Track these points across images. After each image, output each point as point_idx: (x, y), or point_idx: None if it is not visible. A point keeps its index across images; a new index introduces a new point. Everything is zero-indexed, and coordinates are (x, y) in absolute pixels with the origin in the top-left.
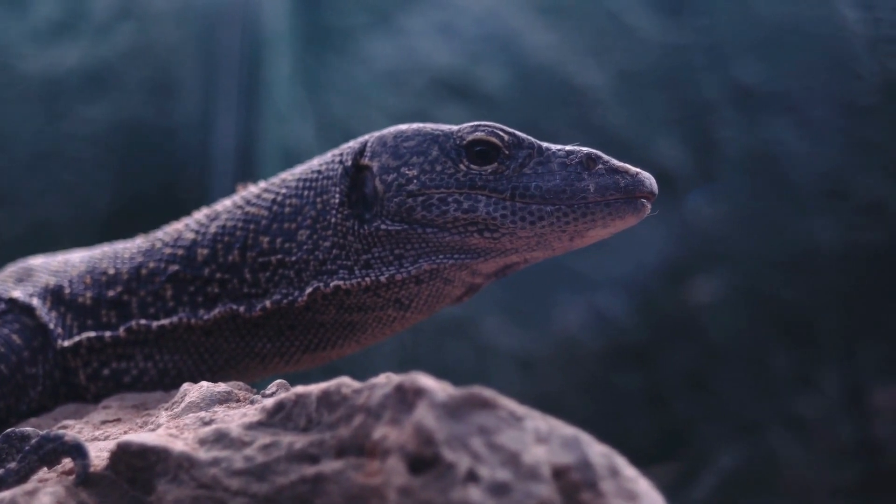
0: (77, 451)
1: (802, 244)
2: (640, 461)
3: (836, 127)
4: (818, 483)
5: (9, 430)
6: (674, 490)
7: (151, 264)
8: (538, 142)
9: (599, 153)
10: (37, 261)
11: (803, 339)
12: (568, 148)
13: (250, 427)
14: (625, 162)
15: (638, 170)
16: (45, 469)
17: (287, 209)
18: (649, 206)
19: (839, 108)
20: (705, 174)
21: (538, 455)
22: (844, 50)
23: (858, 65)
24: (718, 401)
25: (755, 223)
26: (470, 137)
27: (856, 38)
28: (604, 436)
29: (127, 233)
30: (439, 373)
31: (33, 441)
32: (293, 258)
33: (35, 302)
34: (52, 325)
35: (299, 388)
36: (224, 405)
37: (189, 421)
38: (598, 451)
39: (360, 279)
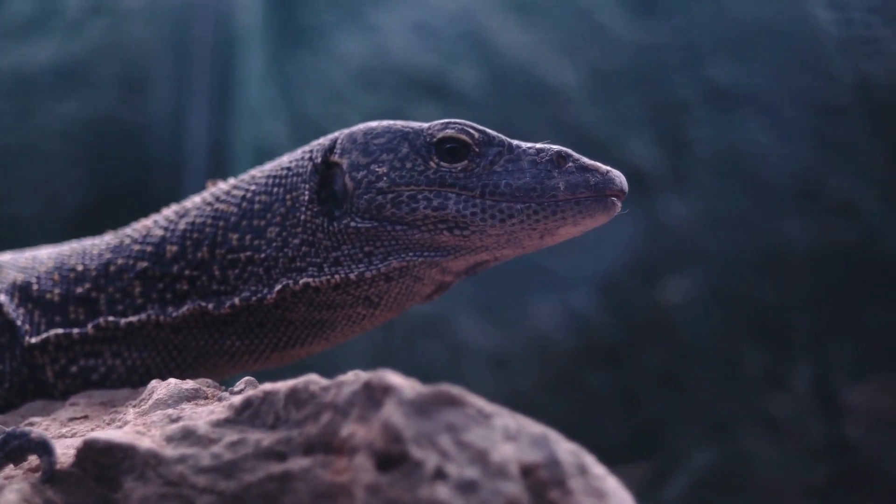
0: (43, 448)
1: (774, 244)
2: (613, 460)
3: (808, 127)
4: (790, 482)
5: None
6: (646, 489)
7: (120, 261)
8: (508, 139)
9: (570, 151)
10: (4, 257)
11: (775, 338)
12: (538, 146)
13: (218, 424)
14: (597, 161)
15: (608, 168)
16: (12, 466)
17: (256, 206)
18: (619, 204)
19: (811, 108)
20: (678, 174)
21: (506, 453)
22: (817, 50)
23: (831, 65)
24: (690, 400)
25: (727, 223)
26: (440, 135)
27: (828, 39)
28: (576, 435)
29: (97, 229)
30: (412, 371)
31: None
32: (262, 255)
33: (2, 298)
34: (19, 322)
35: (267, 386)
36: (192, 402)
37: (156, 418)
38: (566, 450)
39: (329, 276)
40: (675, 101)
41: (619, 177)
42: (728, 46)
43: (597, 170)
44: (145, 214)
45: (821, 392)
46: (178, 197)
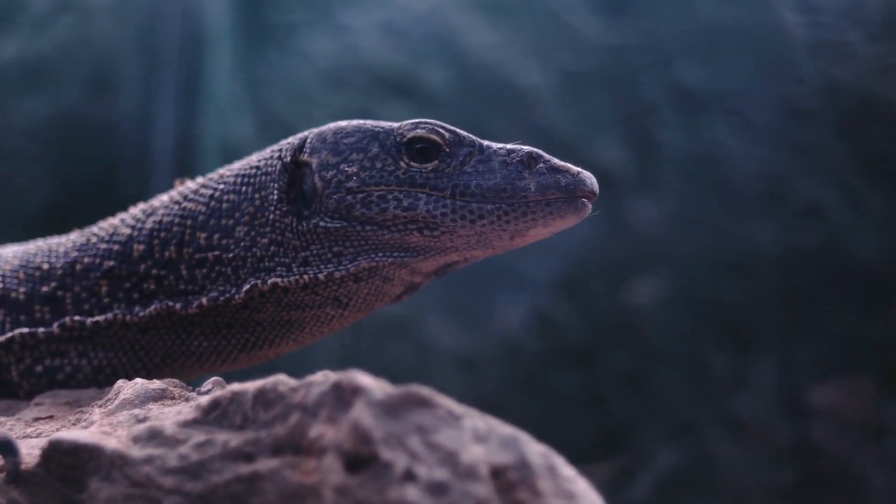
0: (8, 448)
1: (741, 246)
2: (579, 461)
3: (776, 130)
4: (755, 484)
5: None
6: (612, 490)
7: (86, 260)
8: (479, 140)
9: (540, 152)
10: None
11: (741, 340)
12: (509, 146)
13: (185, 425)
14: (566, 162)
15: (579, 169)
16: None
17: (225, 205)
18: (590, 205)
19: (779, 111)
20: (646, 175)
21: (476, 454)
22: (785, 53)
23: (799, 69)
24: (657, 401)
25: (695, 225)
26: (410, 134)
27: (796, 42)
28: (543, 436)
29: (63, 228)
30: (380, 372)
31: None
32: (230, 255)
33: None
34: None
35: (235, 386)
36: (159, 402)
37: (123, 418)
38: (536, 451)
39: (298, 276)
40: (644, 102)
41: (589, 178)
42: (697, 49)
43: (568, 171)
44: (112, 213)
45: (786, 394)
46: (145, 195)
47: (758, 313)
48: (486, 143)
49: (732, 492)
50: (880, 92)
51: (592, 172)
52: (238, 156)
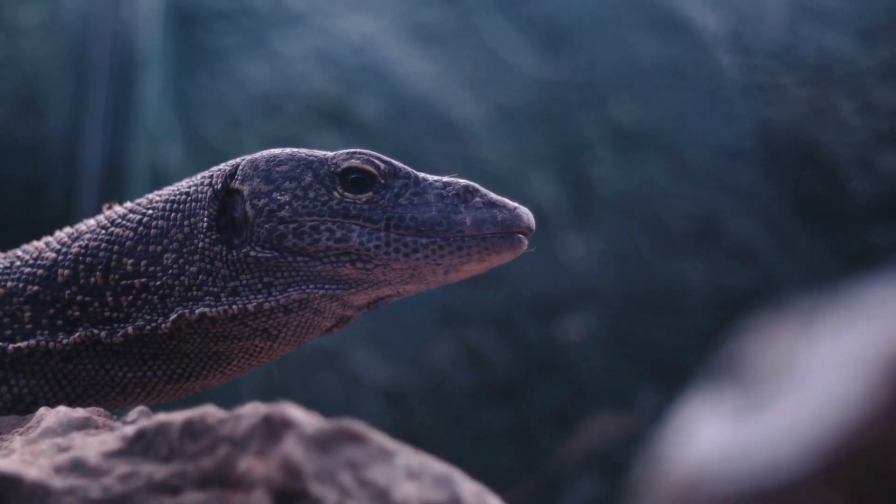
0: None
1: (672, 285)
2: (507, 498)
3: (708, 170)
4: None
5: None
6: None
7: (9, 283)
8: (415, 172)
9: (477, 186)
10: None
11: (670, 379)
12: (445, 179)
13: (109, 455)
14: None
15: (516, 204)
16: None
17: (153, 231)
18: (526, 241)
19: (712, 151)
20: (578, 212)
21: (408, 492)
22: (719, 94)
23: (732, 109)
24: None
25: (626, 262)
26: (345, 165)
27: (730, 83)
28: (471, 471)
29: None
30: (306, 405)
31: None
32: (158, 282)
33: None
34: None
35: (162, 416)
36: (82, 432)
37: (45, 447)
38: (469, 490)
39: (226, 307)
40: (578, 139)
41: (526, 214)
42: (631, 86)
43: (504, 206)
44: (37, 236)
45: None
46: (70, 219)
47: (686, 353)
48: (421, 175)
49: None
50: (812, 135)
51: (526, 208)
52: (167, 181)
